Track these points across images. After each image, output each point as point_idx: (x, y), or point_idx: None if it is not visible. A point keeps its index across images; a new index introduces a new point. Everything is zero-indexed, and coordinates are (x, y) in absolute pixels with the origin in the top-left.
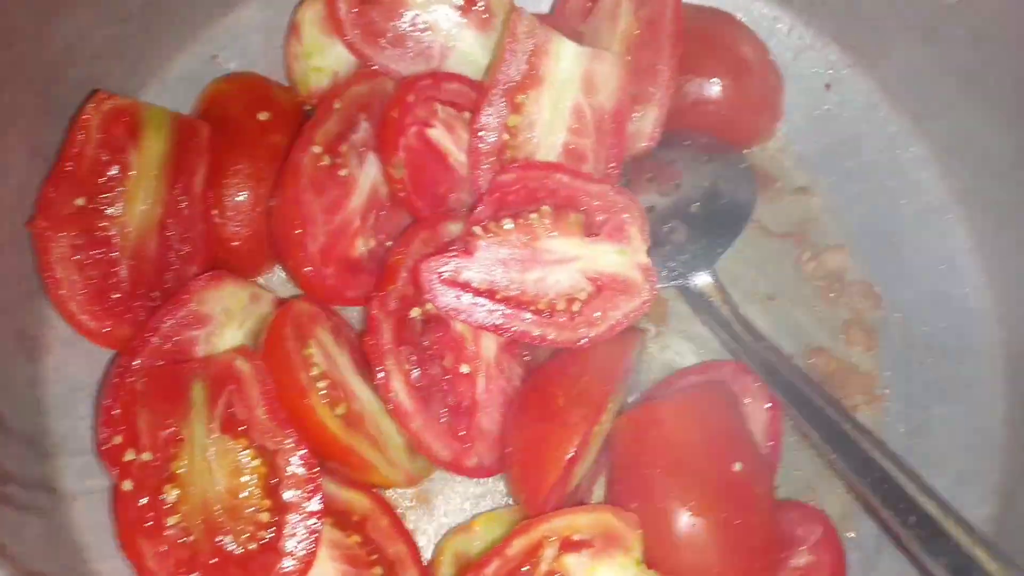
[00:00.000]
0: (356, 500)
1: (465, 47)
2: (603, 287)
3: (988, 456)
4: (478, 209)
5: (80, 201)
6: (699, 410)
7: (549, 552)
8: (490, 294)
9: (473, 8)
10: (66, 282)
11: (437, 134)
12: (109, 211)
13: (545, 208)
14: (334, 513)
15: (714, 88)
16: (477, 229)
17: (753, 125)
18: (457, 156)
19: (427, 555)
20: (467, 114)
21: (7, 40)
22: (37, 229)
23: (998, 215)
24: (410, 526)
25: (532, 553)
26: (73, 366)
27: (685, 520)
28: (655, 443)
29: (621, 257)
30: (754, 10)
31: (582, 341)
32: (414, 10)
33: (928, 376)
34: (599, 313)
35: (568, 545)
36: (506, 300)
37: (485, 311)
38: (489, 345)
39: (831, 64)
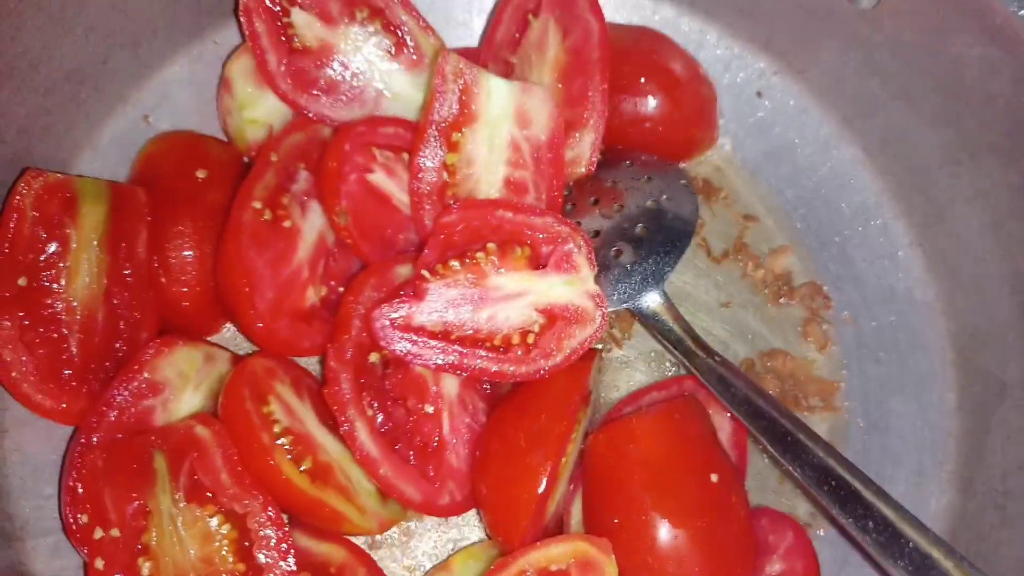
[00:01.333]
0: (332, 552)
1: (399, 89)
2: (555, 318)
3: (944, 446)
4: (424, 253)
5: (22, 281)
6: (673, 423)
7: None
8: (444, 335)
9: (404, 51)
10: (16, 364)
11: (378, 178)
12: (53, 288)
13: (491, 245)
14: (311, 566)
15: (649, 105)
16: (425, 272)
17: (690, 138)
18: (400, 197)
19: None
20: (406, 155)
21: None
22: None
23: (934, 209)
24: (392, 564)
25: None
26: (32, 446)
27: (666, 532)
28: (632, 458)
29: (570, 287)
30: (682, 25)
31: (541, 373)
32: (344, 56)
33: (882, 371)
34: (554, 345)
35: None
36: (461, 340)
37: (441, 353)
38: (450, 383)
39: (760, 72)
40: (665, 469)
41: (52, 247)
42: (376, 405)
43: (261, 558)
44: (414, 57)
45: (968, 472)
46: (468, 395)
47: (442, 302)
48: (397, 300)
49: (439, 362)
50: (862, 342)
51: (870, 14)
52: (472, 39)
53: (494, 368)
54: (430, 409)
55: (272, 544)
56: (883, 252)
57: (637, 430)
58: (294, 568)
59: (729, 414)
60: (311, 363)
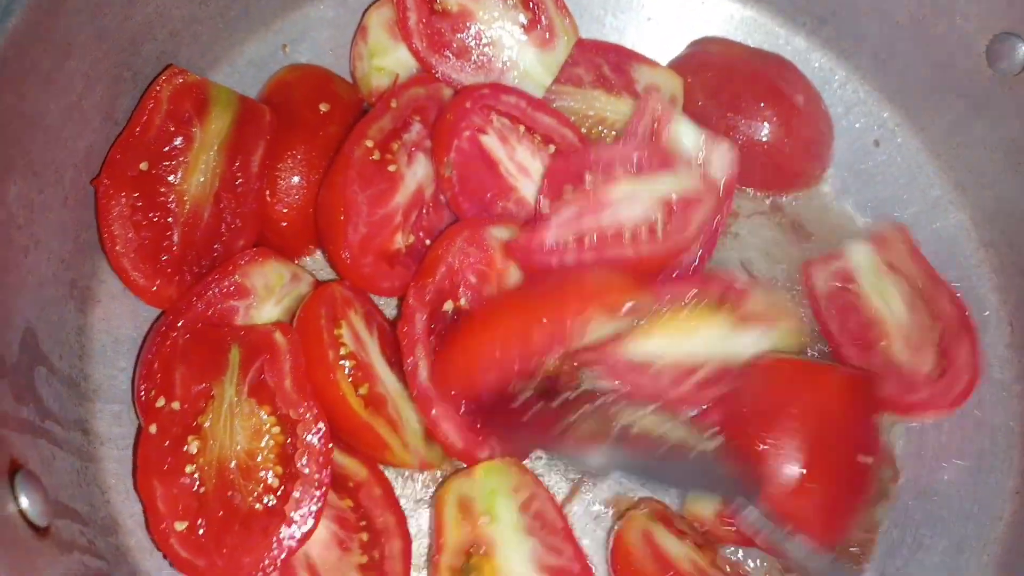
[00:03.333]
0: (353, 467)
1: (526, 64)
2: (671, 207)
3: (992, 528)
4: (542, 187)
5: (144, 166)
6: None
7: None
8: (579, 242)
9: (537, 27)
10: (122, 239)
11: (490, 142)
12: (169, 178)
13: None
14: (332, 476)
15: (764, 130)
16: (543, 201)
17: (798, 170)
18: (507, 165)
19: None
20: (522, 127)
21: (95, 13)
22: (101, 187)
23: None
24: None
25: None
26: (119, 319)
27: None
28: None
29: (676, 178)
30: (812, 60)
31: (676, 247)
32: (480, 24)
33: (943, 438)
34: (680, 224)
35: None
36: (592, 241)
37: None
38: None
39: (882, 121)
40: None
41: (177, 141)
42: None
43: (300, 464)
44: (546, 35)
45: (1013, 559)
46: None
47: (565, 219)
48: (525, 229)
49: (582, 256)
50: None
51: (1007, 80)
52: (603, 34)
53: (630, 252)
54: None
55: (314, 453)
56: None
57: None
58: (328, 481)
59: None
60: (384, 305)
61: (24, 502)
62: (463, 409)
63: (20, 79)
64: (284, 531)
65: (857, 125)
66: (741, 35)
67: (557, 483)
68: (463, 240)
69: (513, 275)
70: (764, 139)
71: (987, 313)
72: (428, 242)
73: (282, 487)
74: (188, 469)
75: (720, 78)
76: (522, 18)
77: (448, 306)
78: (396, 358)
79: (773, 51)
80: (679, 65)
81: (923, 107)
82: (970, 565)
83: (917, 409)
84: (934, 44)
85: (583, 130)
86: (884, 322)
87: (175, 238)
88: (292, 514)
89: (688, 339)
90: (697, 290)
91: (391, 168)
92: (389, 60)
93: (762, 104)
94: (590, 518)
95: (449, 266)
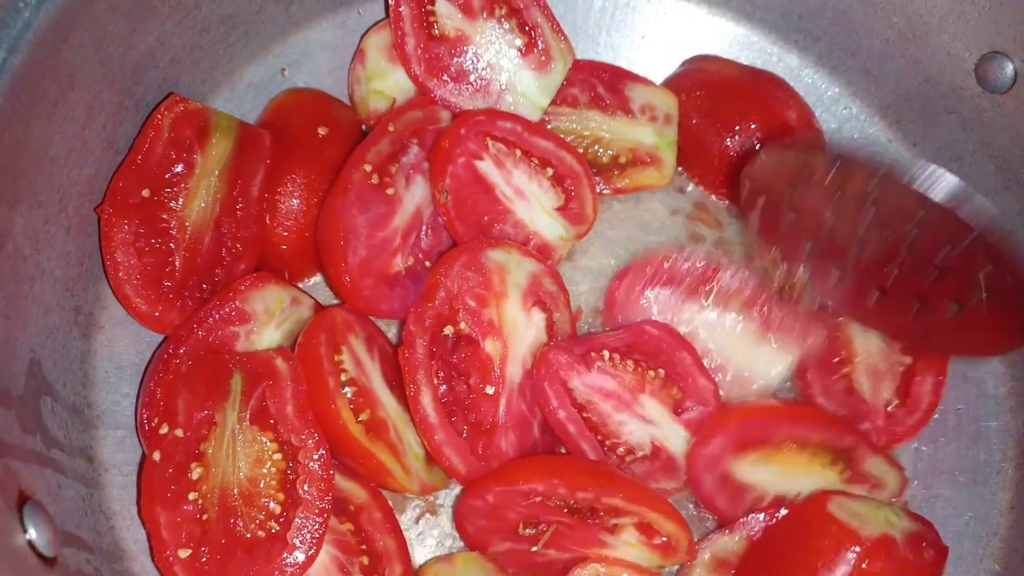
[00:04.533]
0: (355, 491)
1: (523, 87)
2: (656, 458)
3: (987, 543)
4: (614, 334)
5: (146, 192)
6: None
7: (631, 519)
8: (580, 408)
9: (533, 51)
10: (124, 266)
11: (485, 167)
12: (171, 205)
13: (661, 372)
14: (333, 500)
15: (758, 147)
16: (606, 353)
17: None
18: (503, 189)
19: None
20: (518, 151)
21: (99, 43)
22: (104, 214)
23: None
24: (419, 530)
25: (613, 510)
26: (121, 345)
27: None
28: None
29: (685, 444)
30: (804, 76)
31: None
32: (477, 48)
33: (938, 454)
34: (640, 472)
35: (642, 525)
36: (588, 421)
37: (568, 418)
38: (515, 371)
39: (873, 137)
40: None
41: (179, 168)
42: (442, 375)
43: (302, 491)
44: (543, 58)
45: (1009, 574)
46: (529, 385)
47: (599, 383)
48: (573, 355)
49: (561, 418)
50: None
51: (996, 98)
52: (597, 54)
53: (592, 456)
54: (490, 390)
55: (316, 480)
56: None
57: None
58: (329, 507)
59: None
60: (385, 327)
61: (32, 533)
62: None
63: (27, 112)
64: (287, 557)
65: (851, 141)
66: (734, 53)
67: None
68: (460, 265)
69: (512, 299)
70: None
71: None
72: (427, 263)
73: (284, 513)
74: (191, 496)
75: (714, 96)
76: (519, 42)
77: (448, 330)
78: (398, 380)
79: (766, 69)
80: (673, 83)
81: (915, 123)
82: None
83: (863, 438)
84: (924, 62)
85: (580, 150)
86: (852, 345)
87: (177, 264)
88: (294, 540)
89: (795, 479)
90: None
91: (389, 191)
92: (387, 83)
93: (755, 122)
94: None
95: (448, 291)
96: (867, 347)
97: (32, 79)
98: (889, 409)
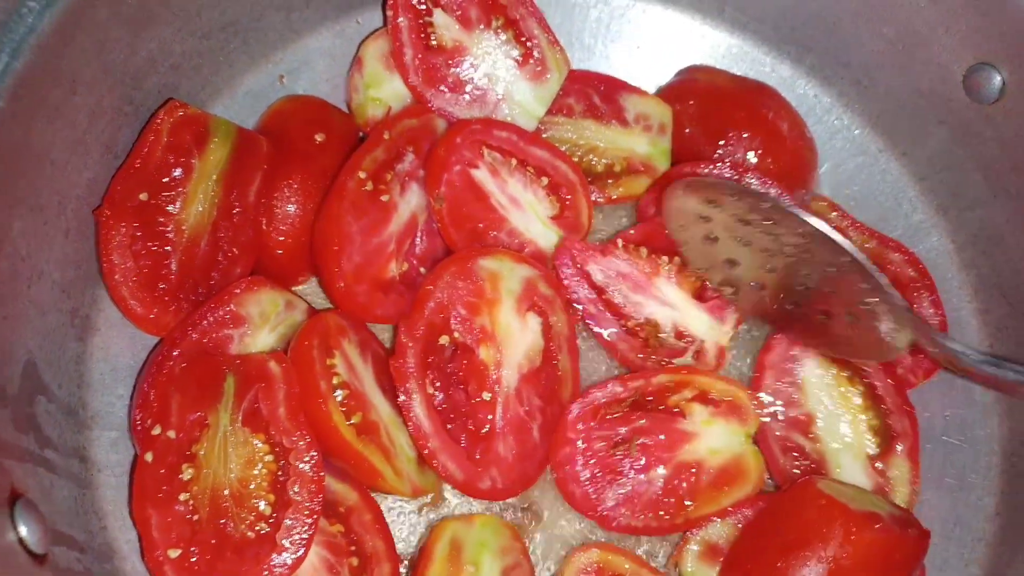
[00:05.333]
0: (345, 493)
1: (520, 97)
2: (681, 338)
3: (973, 549)
4: (632, 231)
5: (144, 196)
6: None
7: (686, 393)
8: (599, 291)
9: (530, 62)
10: (121, 268)
11: (481, 175)
12: (169, 208)
13: (678, 260)
14: (323, 501)
15: (748, 158)
16: (620, 242)
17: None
18: (498, 198)
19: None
20: (513, 160)
21: (101, 48)
22: (102, 217)
23: (1012, 313)
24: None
25: (666, 391)
26: (117, 347)
27: None
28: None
29: (710, 330)
30: (796, 88)
31: (643, 365)
32: (474, 59)
33: (924, 460)
34: (666, 359)
35: (701, 397)
36: (607, 303)
37: (584, 294)
38: (511, 376)
39: (864, 147)
40: None
41: (177, 172)
42: (438, 384)
43: (292, 492)
44: (539, 69)
45: None
46: (526, 389)
47: (613, 267)
48: (589, 244)
49: (580, 297)
50: None
51: (985, 109)
52: (592, 63)
53: (608, 336)
54: (487, 396)
55: (306, 481)
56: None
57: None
58: (319, 509)
59: None
60: (381, 332)
61: (23, 530)
62: None
63: (29, 116)
64: (276, 558)
65: (841, 151)
66: (728, 63)
67: (545, 563)
68: (450, 275)
69: (506, 305)
70: (749, 165)
71: (967, 335)
72: (422, 269)
73: (274, 514)
74: (183, 497)
75: (707, 106)
76: (515, 52)
77: (444, 340)
78: (392, 384)
79: (759, 79)
80: (667, 93)
81: (905, 133)
82: None
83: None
84: (914, 72)
85: (575, 159)
86: None
87: (173, 267)
88: (283, 541)
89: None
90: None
91: (384, 198)
92: (384, 91)
93: (748, 131)
94: None
95: (438, 301)
96: None
97: (34, 83)
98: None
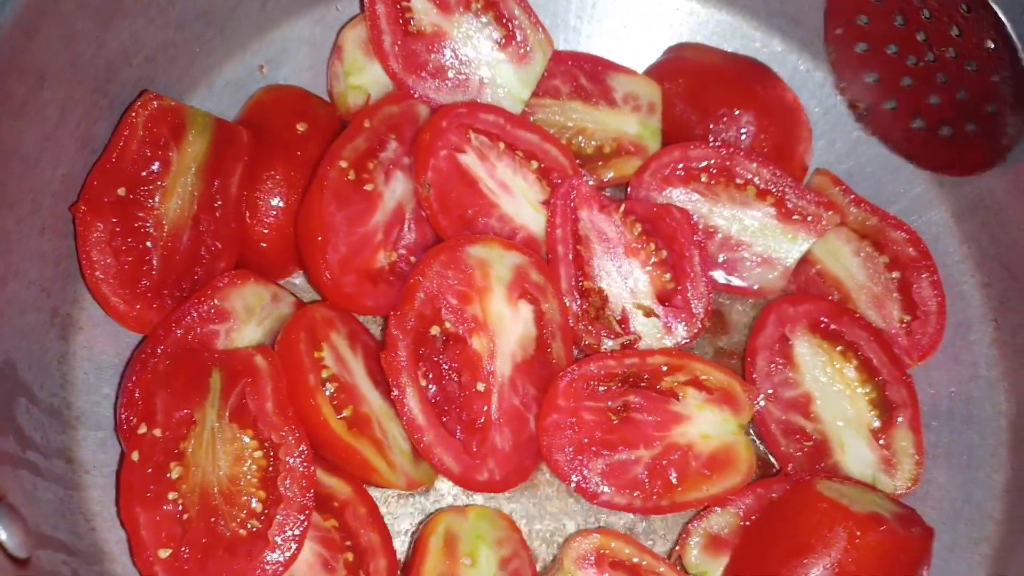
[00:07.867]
0: (338, 487)
1: (503, 80)
2: (621, 324)
3: (982, 527)
4: (640, 202)
5: (122, 191)
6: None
7: (680, 376)
8: (576, 238)
9: (512, 44)
10: (101, 265)
11: (468, 160)
12: (148, 203)
13: (663, 253)
14: (316, 496)
15: (743, 133)
16: (622, 207)
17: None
18: (487, 183)
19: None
20: (501, 144)
21: (68, 41)
22: (79, 213)
23: (1015, 284)
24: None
25: (660, 372)
26: (100, 346)
27: None
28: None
29: (652, 331)
30: (788, 63)
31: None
32: (455, 44)
33: (931, 438)
34: (596, 337)
35: (695, 382)
36: (576, 253)
37: (562, 234)
38: (505, 365)
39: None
40: None
41: (155, 166)
42: (431, 376)
43: (283, 488)
44: (521, 51)
45: (1003, 557)
46: (521, 379)
47: (600, 225)
48: (592, 191)
49: (557, 235)
50: None
51: None
52: (578, 44)
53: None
54: (481, 387)
55: (297, 476)
56: (955, 320)
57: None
58: (311, 505)
59: None
60: (371, 323)
61: (2, 534)
62: None
63: None
64: (268, 556)
65: (836, 126)
66: (717, 40)
67: (543, 552)
68: (439, 264)
69: (496, 293)
70: (743, 142)
71: (970, 310)
72: (412, 259)
73: (265, 511)
74: (171, 496)
75: (697, 84)
76: (496, 35)
77: (435, 330)
78: (384, 376)
79: (750, 55)
80: (656, 72)
81: None
82: (961, 565)
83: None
84: None
85: (563, 141)
86: (842, 284)
87: (155, 262)
88: (276, 538)
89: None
90: None
91: (368, 187)
92: (365, 78)
93: (739, 108)
94: None
95: (428, 292)
96: (855, 279)
97: None
98: (902, 326)
